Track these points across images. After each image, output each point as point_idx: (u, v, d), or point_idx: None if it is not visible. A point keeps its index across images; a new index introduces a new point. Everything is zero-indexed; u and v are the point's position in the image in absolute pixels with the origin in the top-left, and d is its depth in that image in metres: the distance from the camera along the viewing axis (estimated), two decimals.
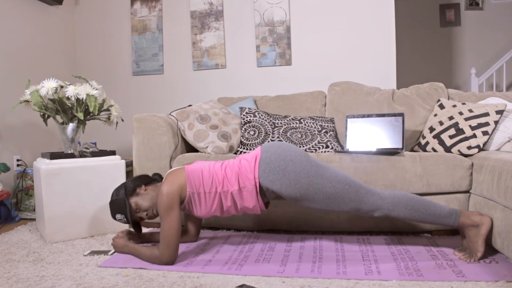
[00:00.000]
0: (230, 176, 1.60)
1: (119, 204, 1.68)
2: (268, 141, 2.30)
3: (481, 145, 1.94)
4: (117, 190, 1.71)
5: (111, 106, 2.32)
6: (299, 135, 2.31)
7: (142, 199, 1.68)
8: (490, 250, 1.62)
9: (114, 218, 1.71)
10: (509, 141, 1.95)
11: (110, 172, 2.14)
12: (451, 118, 2.11)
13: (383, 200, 1.54)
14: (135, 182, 1.72)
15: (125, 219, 1.69)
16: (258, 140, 2.31)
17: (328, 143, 2.26)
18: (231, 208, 1.64)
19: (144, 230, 2.18)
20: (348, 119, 2.24)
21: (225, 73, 3.31)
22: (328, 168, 1.57)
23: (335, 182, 1.53)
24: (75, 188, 2.05)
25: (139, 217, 1.71)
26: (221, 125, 2.35)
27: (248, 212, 1.68)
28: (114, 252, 1.77)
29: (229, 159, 1.72)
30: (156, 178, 1.81)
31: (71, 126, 2.16)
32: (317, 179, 1.53)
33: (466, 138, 1.98)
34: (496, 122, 1.95)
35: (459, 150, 1.98)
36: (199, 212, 1.64)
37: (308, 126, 2.39)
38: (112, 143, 3.51)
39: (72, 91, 2.07)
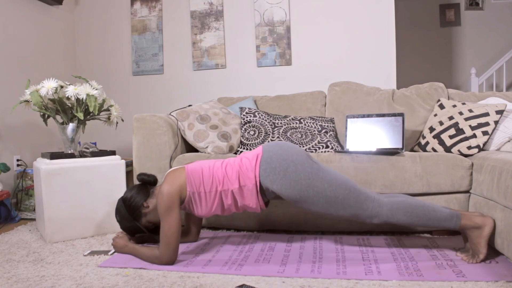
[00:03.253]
0: (230, 175, 1.59)
1: (135, 228, 1.72)
2: (269, 141, 2.30)
3: (481, 145, 1.94)
4: (120, 216, 1.70)
5: (111, 106, 2.32)
6: (299, 135, 2.31)
7: (151, 216, 1.70)
8: (490, 250, 1.62)
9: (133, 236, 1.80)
10: (509, 141, 1.95)
11: (110, 172, 2.14)
12: (451, 118, 2.11)
13: (381, 207, 1.52)
14: (136, 203, 1.68)
15: (147, 231, 1.75)
16: (258, 140, 2.31)
17: (328, 143, 2.26)
18: (231, 207, 1.64)
19: None
20: (348, 119, 2.24)
21: (225, 73, 3.31)
22: (329, 171, 1.56)
23: (335, 186, 1.52)
24: (75, 188, 2.05)
25: (156, 226, 1.76)
26: (221, 125, 2.35)
27: (248, 210, 1.68)
28: (114, 252, 1.77)
29: (229, 158, 1.72)
30: (148, 182, 1.75)
31: (71, 126, 2.16)
32: (318, 181, 1.52)
33: (466, 138, 1.98)
34: (496, 122, 1.95)
35: (459, 150, 1.98)
36: (200, 211, 1.64)
37: (308, 126, 2.39)
38: (112, 143, 3.51)
39: (72, 91, 2.07)
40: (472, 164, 1.84)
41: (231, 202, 1.61)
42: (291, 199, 1.55)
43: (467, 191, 1.87)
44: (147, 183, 1.75)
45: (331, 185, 1.52)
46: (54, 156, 2.06)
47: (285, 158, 1.54)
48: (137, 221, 1.69)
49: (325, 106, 2.65)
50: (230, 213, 1.68)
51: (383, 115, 2.14)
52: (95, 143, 2.98)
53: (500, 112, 1.96)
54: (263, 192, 1.61)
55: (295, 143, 2.26)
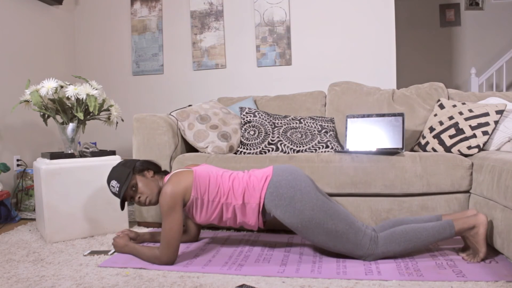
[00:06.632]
0: (236, 189, 1.60)
1: (122, 173, 1.64)
2: (268, 142, 2.30)
3: (481, 145, 1.94)
4: (126, 161, 1.71)
5: (111, 106, 2.32)
6: (299, 135, 2.31)
7: (143, 182, 1.65)
8: (490, 251, 1.62)
9: (108, 183, 1.67)
10: (509, 141, 1.95)
11: None
12: (451, 118, 2.11)
13: (377, 246, 1.54)
14: (147, 165, 1.72)
15: (117, 189, 1.63)
16: (258, 140, 2.31)
17: (328, 143, 2.26)
18: (230, 220, 1.65)
19: (144, 230, 2.19)
20: (348, 119, 2.24)
21: (225, 73, 3.31)
22: (332, 205, 1.57)
23: (337, 220, 1.53)
24: (75, 188, 2.05)
25: (131, 196, 1.67)
26: (221, 125, 2.35)
27: (245, 227, 1.69)
28: (114, 252, 1.77)
29: (238, 171, 1.73)
30: (163, 171, 1.81)
31: (71, 126, 2.16)
32: (321, 214, 1.53)
33: (466, 138, 1.97)
34: (496, 122, 1.95)
35: (459, 150, 1.98)
36: (198, 218, 1.65)
37: (308, 126, 2.39)
38: (112, 143, 3.51)
39: (72, 91, 2.07)
40: (472, 164, 1.84)
41: (230, 216, 1.63)
42: (291, 226, 1.56)
43: (467, 191, 1.87)
44: (163, 173, 1.78)
45: (333, 219, 1.53)
46: (54, 156, 2.06)
47: (293, 186, 1.55)
48: (133, 172, 1.66)
49: (325, 106, 2.65)
50: (227, 225, 1.69)
51: (383, 115, 2.14)
52: (95, 143, 2.98)
53: (500, 112, 1.96)
54: (264, 212, 1.62)
55: (295, 143, 2.26)
